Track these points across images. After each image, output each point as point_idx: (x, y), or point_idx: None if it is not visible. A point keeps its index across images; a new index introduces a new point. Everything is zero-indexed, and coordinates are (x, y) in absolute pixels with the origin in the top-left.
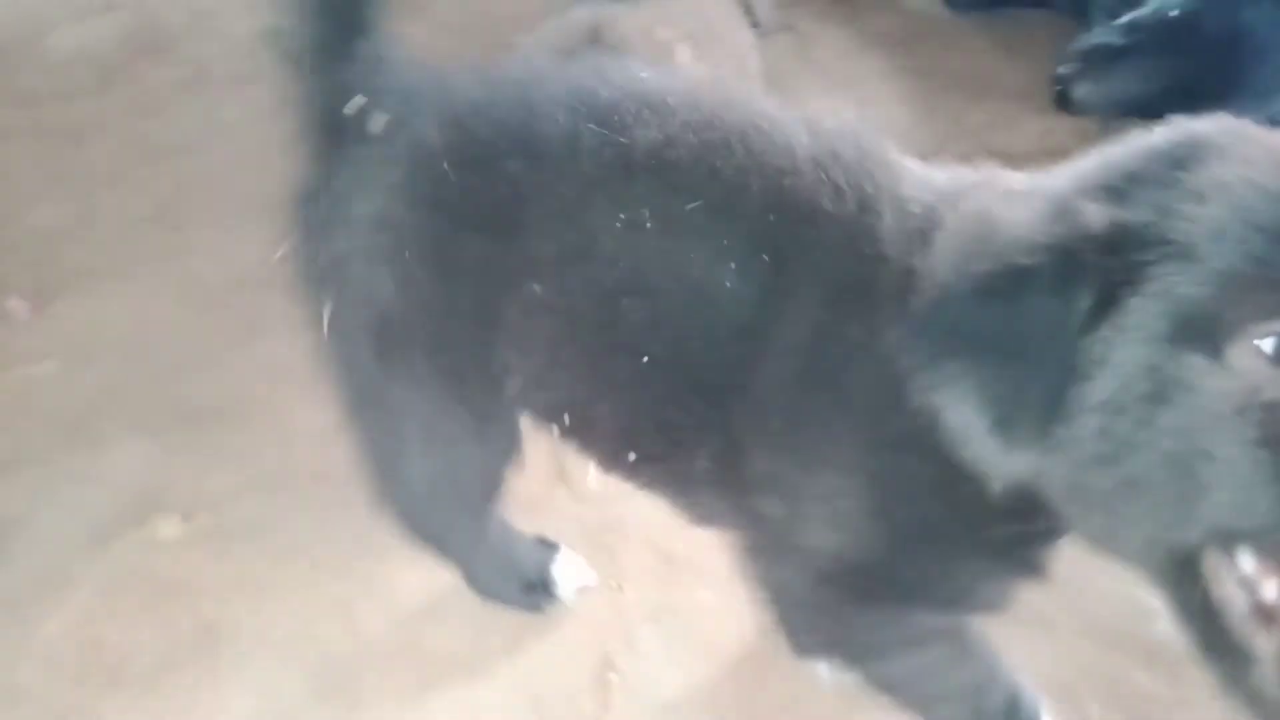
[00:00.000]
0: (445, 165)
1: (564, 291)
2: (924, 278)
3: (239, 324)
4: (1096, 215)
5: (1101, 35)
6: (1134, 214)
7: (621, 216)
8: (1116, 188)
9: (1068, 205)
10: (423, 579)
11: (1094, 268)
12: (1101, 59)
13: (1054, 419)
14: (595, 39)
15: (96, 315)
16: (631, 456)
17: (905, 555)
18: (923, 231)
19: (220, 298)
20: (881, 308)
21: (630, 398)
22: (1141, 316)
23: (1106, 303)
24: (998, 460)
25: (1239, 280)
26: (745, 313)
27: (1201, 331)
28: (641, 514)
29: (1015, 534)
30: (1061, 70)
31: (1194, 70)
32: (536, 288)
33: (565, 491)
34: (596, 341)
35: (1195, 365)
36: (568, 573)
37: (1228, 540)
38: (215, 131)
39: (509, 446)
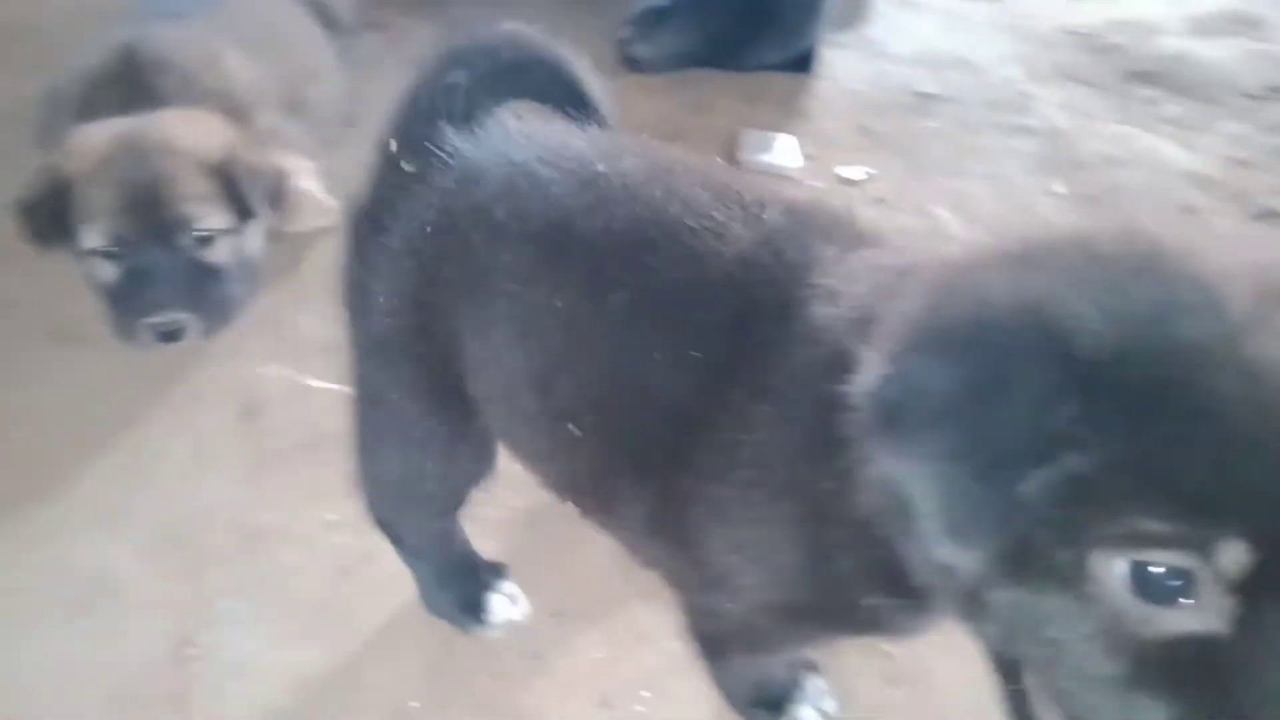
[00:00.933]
0: (451, 218)
1: (526, 354)
2: (877, 349)
3: None
4: (1086, 339)
5: None
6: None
7: (572, 294)
8: (1098, 309)
9: (1056, 309)
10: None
11: (1073, 395)
12: (652, 20)
13: (1001, 533)
14: (129, 59)
15: None
16: (574, 504)
17: (826, 601)
18: (860, 317)
19: None
20: (811, 386)
21: (576, 456)
22: (1053, 478)
23: (1059, 439)
24: (943, 554)
25: (1114, 492)
26: (684, 392)
27: (1075, 527)
28: (222, 498)
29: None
30: (621, 34)
31: (730, 21)
32: (500, 345)
33: (146, 490)
34: (545, 404)
35: (1062, 560)
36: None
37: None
38: None
39: (477, 467)
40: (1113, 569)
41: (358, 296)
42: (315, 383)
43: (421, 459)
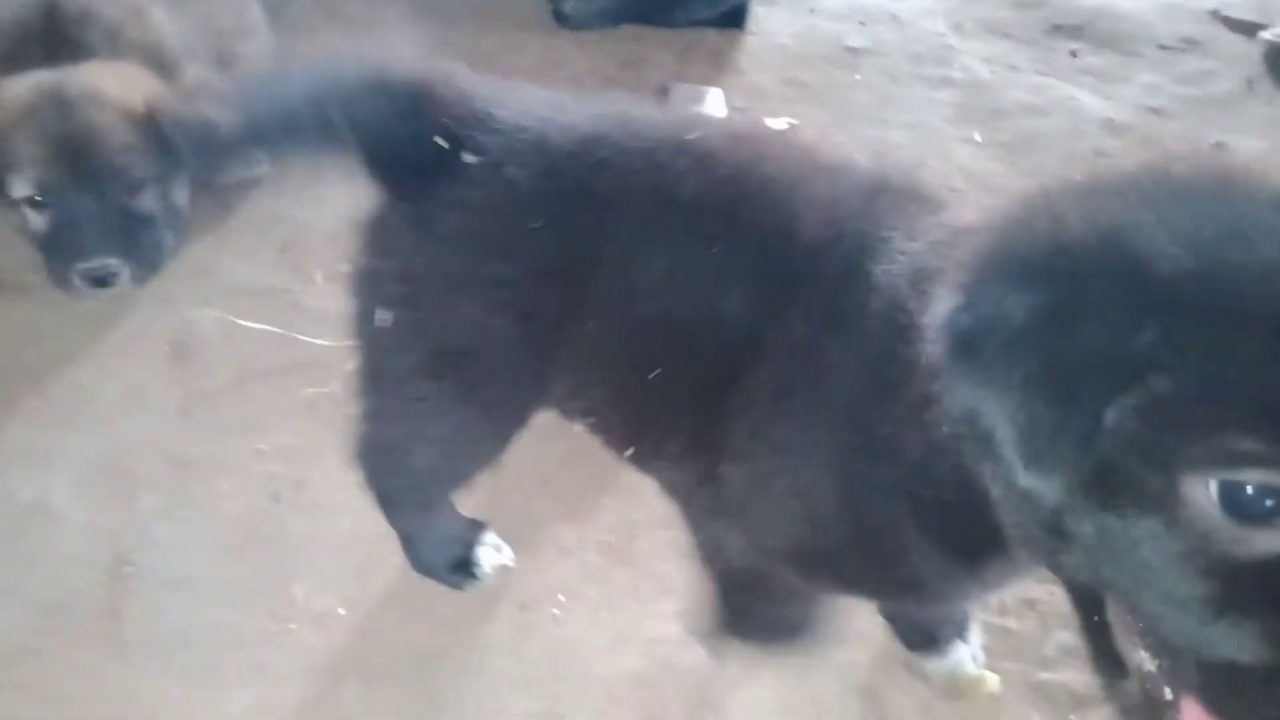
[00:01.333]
0: (532, 211)
1: (613, 325)
2: (948, 284)
3: None
4: (1165, 262)
5: None
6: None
7: (659, 262)
8: (1176, 232)
9: (1133, 234)
10: None
11: (1153, 318)
12: None
13: (1082, 459)
14: (51, 12)
15: None
16: (643, 448)
17: (862, 551)
18: (919, 270)
19: None
20: (877, 330)
21: (642, 405)
22: (1139, 402)
23: (1142, 363)
24: (1025, 482)
25: (1205, 412)
26: (760, 315)
27: (1164, 450)
28: (154, 432)
29: (974, 544)
30: None
31: None
32: (591, 321)
33: (80, 426)
34: (631, 362)
35: (1151, 483)
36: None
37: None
38: None
39: (499, 451)
40: (1205, 490)
41: (431, 304)
42: (245, 323)
43: (469, 455)
